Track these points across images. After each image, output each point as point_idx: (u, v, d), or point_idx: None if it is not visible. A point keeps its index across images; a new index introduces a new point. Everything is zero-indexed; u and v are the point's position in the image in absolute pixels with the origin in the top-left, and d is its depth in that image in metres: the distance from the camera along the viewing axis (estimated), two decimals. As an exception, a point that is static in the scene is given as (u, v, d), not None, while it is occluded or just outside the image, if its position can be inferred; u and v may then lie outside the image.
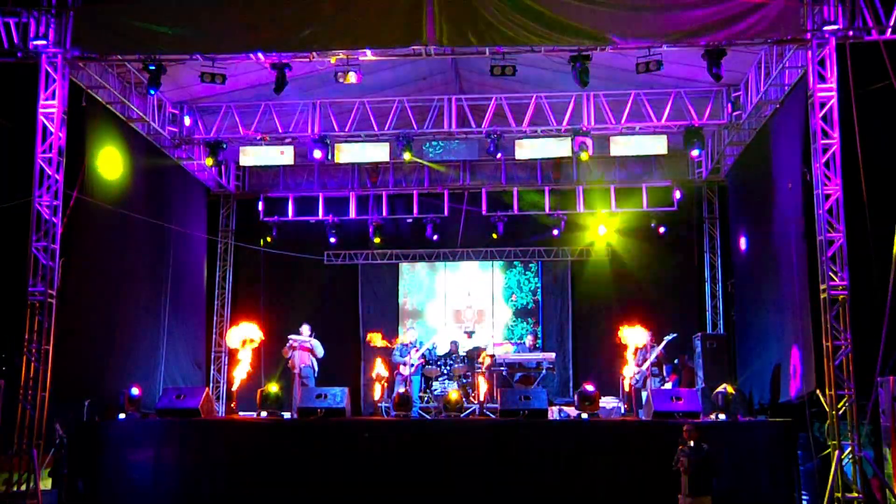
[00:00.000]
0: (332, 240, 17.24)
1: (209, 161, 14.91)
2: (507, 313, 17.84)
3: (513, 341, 16.45)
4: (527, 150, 14.55)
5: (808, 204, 10.99)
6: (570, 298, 17.63)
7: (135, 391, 11.94)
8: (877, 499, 9.98)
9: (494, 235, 16.90)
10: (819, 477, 10.57)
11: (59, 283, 11.06)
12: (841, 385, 10.19)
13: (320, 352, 14.05)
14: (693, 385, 14.25)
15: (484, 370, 14.05)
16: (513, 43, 11.26)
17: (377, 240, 17.24)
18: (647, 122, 13.96)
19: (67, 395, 11.37)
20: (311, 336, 14.14)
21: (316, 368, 14.03)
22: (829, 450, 10.19)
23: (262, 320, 14.89)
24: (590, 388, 12.06)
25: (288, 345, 13.99)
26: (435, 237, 17.15)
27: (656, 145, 14.73)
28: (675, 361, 14.29)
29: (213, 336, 17.23)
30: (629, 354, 13.53)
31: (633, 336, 13.50)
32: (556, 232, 17.03)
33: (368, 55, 11.76)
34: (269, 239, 17.32)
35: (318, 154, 14.40)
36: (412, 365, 14.03)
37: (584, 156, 13.93)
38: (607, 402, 13.49)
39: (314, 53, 11.58)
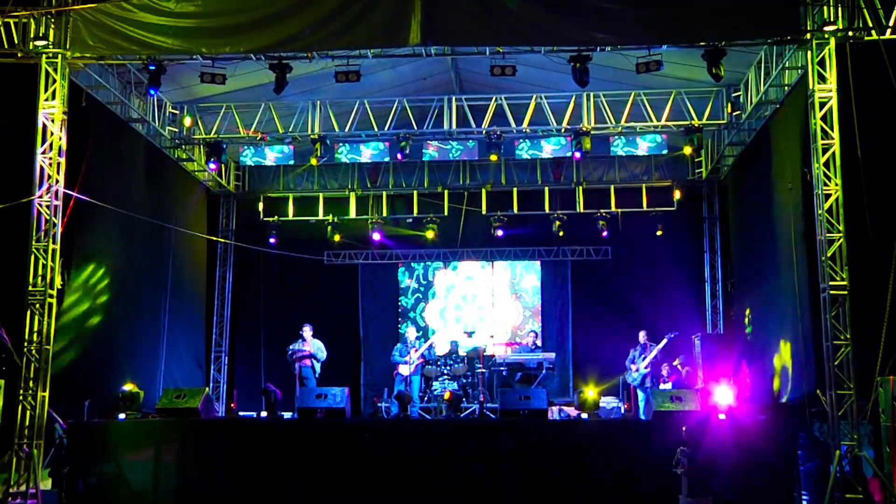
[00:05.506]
0: (336, 236, 17.20)
1: (213, 164, 14.94)
2: (506, 313, 17.82)
3: (513, 341, 16.42)
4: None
5: (808, 204, 10.99)
6: (570, 298, 17.62)
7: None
8: (877, 499, 9.96)
9: (499, 233, 16.87)
10: (819, 477, 10.57)
11: (59, 283, 11.06)
12: (841, 385, 10.18)
13: (323, 355, 14.01)
14: (693, 385, 14.23)
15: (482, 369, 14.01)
16: (511, 43, 11.27)
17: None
18: (647, 122, 13.97)
19: (67, 395, 11.36)
20: (312, 337, 14.11)
21: (317, 369, 13.99)
22: (830, 449, 10.19)
23: (261, 320, 14.84)
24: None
25: (289, 356, 13.93)
26: (429, 236, 17.12)
27: (656, 145, 14.72)
28: (675, 361, 14.27)
29: (213, 336, 17.23)
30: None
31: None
32: (558, 233, 17.02)
33: (369, 55, 11.77)
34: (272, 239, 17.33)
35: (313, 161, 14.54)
36: (412, 365, 14.02)
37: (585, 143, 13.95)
38: (607, 402, 13.48)
39: (314, 53, 11.59)
